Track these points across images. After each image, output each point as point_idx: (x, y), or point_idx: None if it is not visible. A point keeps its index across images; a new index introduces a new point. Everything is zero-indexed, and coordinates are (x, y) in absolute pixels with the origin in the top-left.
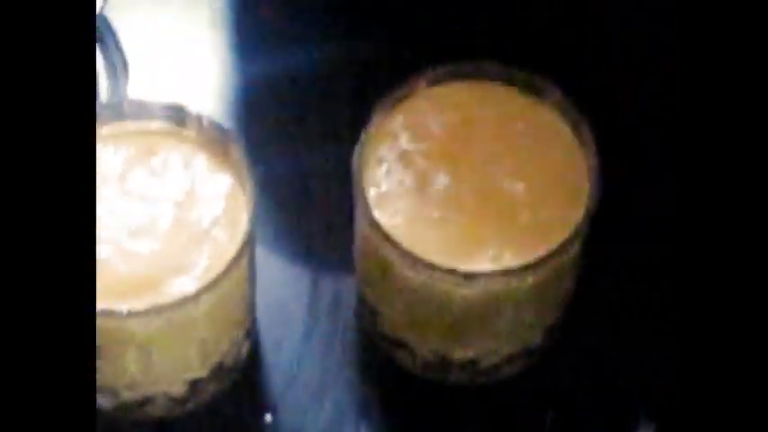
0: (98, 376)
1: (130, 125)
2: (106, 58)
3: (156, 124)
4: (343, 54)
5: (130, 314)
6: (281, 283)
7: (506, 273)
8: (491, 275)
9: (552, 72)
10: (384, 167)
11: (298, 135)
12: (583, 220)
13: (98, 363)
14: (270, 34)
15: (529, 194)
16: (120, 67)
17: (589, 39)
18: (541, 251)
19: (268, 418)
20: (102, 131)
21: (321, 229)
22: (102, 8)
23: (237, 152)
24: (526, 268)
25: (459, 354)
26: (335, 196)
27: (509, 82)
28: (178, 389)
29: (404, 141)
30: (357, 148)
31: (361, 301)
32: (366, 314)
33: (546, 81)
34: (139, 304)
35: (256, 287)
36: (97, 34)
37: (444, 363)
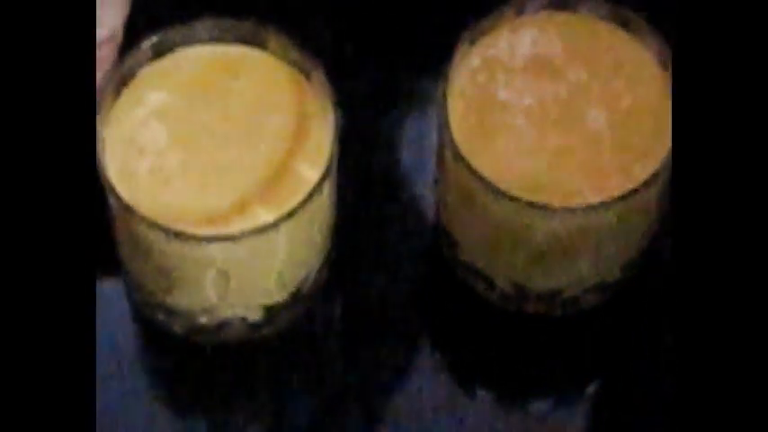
0: (175, 299)
1: (208, 48)
2: None
3: (235, 47)
4: None
5: (211, 239)
6: (361, 211)
7: (588, 208)
8: (572, 210)
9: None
10: (468, 99)
11: (379, 64)
12: (665, 159)
13: (175, 286)
14: None
15: (614, 128)
16: None
17: None
18: (625, 186)
19: (343, 345)
20: (180, 54)
21: (402, 158)
22: None
23: (320, 77)
24: (608, 204)
25: (537, 285)
26: (417, 126)
27: (595, 13)
28: (255, 314)
29: (488, 73)
30: (441, 79)
31: (442, 230)
32: (446, 243)
33: (634, 14)
34: (221, 231)
35: (336, 216)
36: None
37: (522, 294)
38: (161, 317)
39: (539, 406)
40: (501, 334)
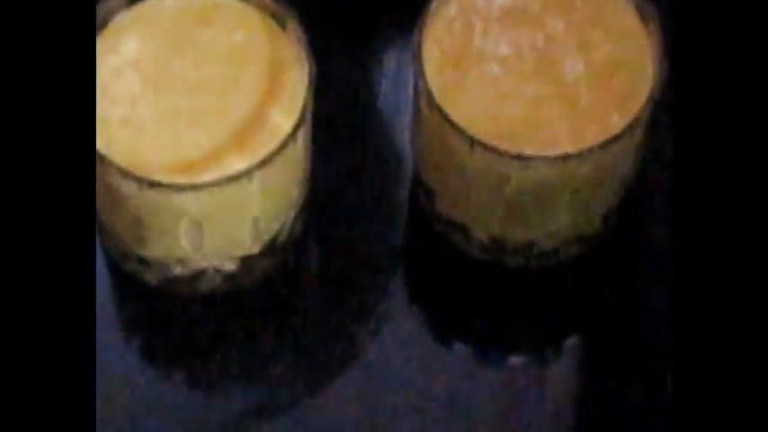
0: (149, 250)
1: None
2: None
3: None
4: None
5: (182, 188)
6: (336, 161)
7: (563, 158)
8: (548, 160)
9: None
10: (444, 48)
11: (355, 13)
12: (644, 107)
13: (149, 237)
14: None
15: (591, 78)
16: None
17: None
18: (601, 136)
19: (319, 296)
20: (155, 2)
21: (377, 110)
22: None
23: (295, 26)
24: (584, 153)
25: (515, 237)
26: (394, 76)
27: None
28: (229, 265)
29: (463, 22)
30: (416, 30)
31: (419, 180)
32: (423, 194)
33: None
34: (195, 180)
35: (311, 166)
36: None
37: (499, 246)
38: (136, 268)
39: (517, 360)
40: (479, 286)
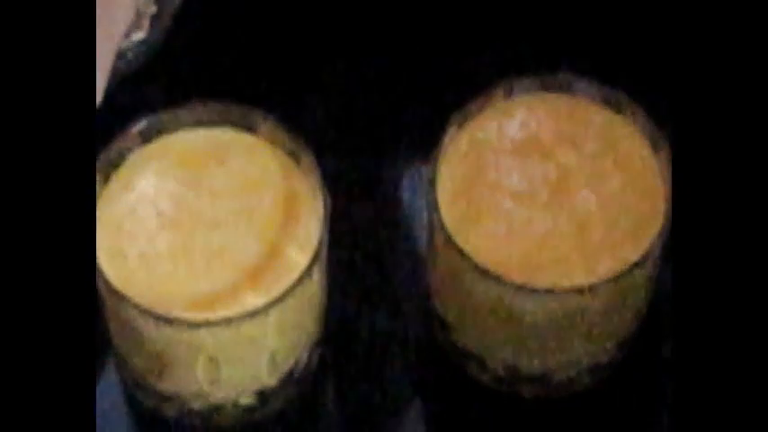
0: (166, 384)
1: (197, 132)
2: None
3: (224, 131)
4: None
5: (200, 325)
6: (351, 294)
7: (577, 290)
8: (561, 292)
9: (630, 85)
10: (457, 182)
11: (368, 147)
12: (655, 240)
13: (167, 371)
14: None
15: (604, 209)
16: None
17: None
18: (614, 268)
19: (337, 428)
20: (170, 138)
21: (391, 240)
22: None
23: (310, 161)
24: (597, 286)
25: (530, 367)
26: (407, 209)
27: (585, 94)
28: (247, 398)
29: (478, 155)
30: (430, 162)
31: (433, 312)
32: (438, 325)
33: (625, 96)
34: (211, 316)
35: (326, 299)
36: None
37: (515, 376)
38: (153, 401)
39: None
40: (495, 417)
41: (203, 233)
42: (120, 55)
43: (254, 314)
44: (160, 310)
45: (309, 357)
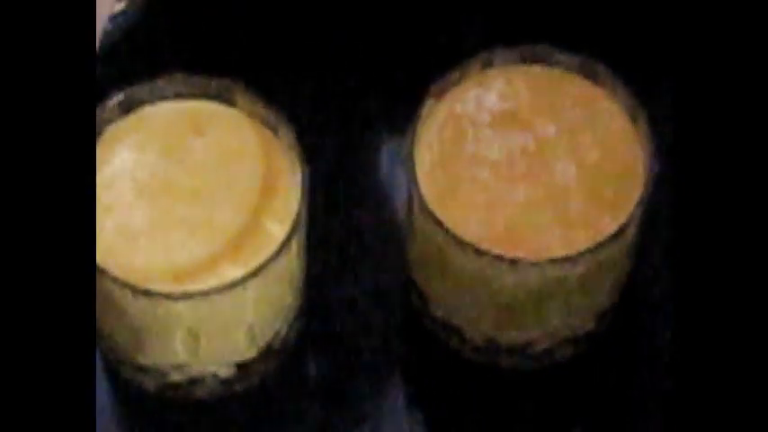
0: (146, 357)
1: (176, 104)
2: None
3: (203, 103)
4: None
5: (178, 297)
6: (330, 266)
7: (555, 261)
8: (540, 263)
9: (606, 56)
10: (435, 154)
11: (345, 119)
12: (634, 210)
13: (146, 344)
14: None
15: (582, 181)
16: None
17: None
18: (593, 239)
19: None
20: (148, 111)
21: (370, 213)
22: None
23: (288, 134)
24: (575, 257)
25: (508, 338)
26: (386, 181)
27: (564, 66)
28: (226, 371)
29: (456, 127)
30: (408, 134)
31: (412, 284)
32: (416, 298)
33: (603, 67)
34: (189, 289)
35: (305, 271)
36: None
37: (494, 347)
38: (133, 374)
39: None
40: (474, 388)
41: (182, 206)
42: None
43: (232, 286)
44: (138, 283)
45: (289, 330)
